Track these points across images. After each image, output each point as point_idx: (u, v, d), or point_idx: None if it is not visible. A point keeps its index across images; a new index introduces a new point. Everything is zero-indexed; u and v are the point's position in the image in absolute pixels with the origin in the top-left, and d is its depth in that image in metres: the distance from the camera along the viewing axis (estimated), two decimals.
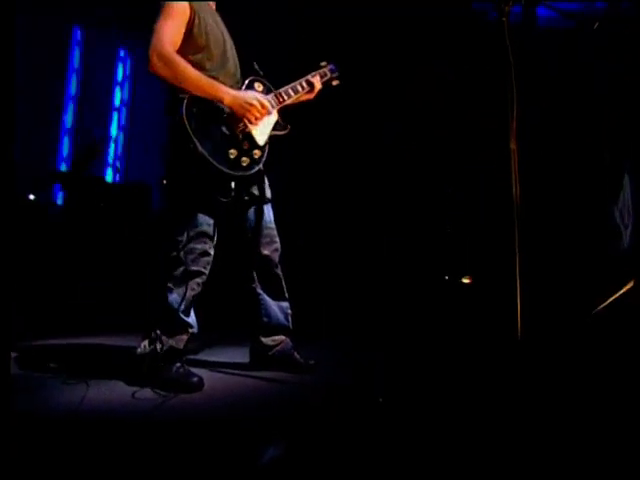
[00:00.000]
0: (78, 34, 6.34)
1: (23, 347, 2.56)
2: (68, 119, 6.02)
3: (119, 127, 6.57)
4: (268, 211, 2.24)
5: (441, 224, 5.95)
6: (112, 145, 6.43)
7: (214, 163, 1.84)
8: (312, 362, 2.29)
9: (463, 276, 5.15)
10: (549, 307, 2.38)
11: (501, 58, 1.40)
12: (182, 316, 2.00)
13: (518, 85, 1.44)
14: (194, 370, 2.07)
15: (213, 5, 2.16)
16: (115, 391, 1.93)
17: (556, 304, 2.49)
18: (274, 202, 2.29)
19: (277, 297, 2.31)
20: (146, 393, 1.89)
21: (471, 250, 5.07)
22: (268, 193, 2.23)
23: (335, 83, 2.40)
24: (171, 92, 1.93)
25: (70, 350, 2.65)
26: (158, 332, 1.98)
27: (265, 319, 2.28)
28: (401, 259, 5.71)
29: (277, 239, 2.27)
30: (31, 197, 4.83)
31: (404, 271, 5.34)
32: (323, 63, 2.38)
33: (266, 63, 2.19)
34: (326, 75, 2.35)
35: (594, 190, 3.04)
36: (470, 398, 1.74)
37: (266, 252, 2.22)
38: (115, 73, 6.60)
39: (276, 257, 2.27)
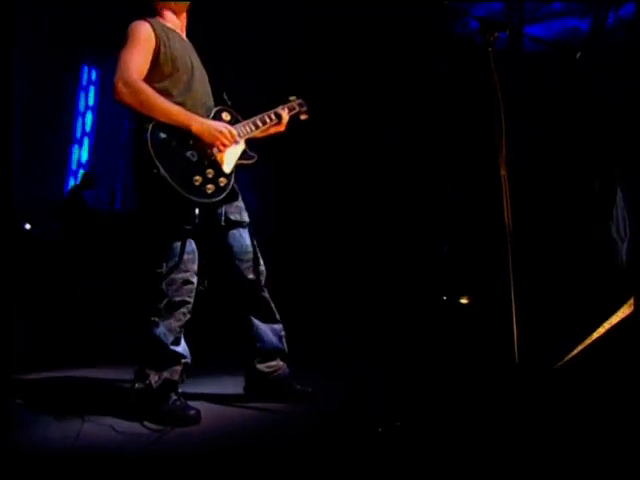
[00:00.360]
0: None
1: (15, 380, 2.52)
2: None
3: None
4: (247, 235, 2.22)
5: (438, 244, 5.99)
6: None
7: (177, 188, 1.82)
8: (310, 390, 2.24)
9: (461, 296, 5.15)
10: (547, 328, 2.38)
11: (488, 86, 1.43)
12: (172, 348, 1.96)
13: (506, 110, 1.48)
14: (189, 402, 2.03)
15: (182, 32, 2.18)
16: (111, 425, 1.88)
17: (554, 324, 2.49)
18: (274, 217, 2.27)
19: (268, 320, 2.26)
20: (143, 428, 1.86)
21: (468, 270, 5.07)
22: (245, 217, 2.22)
23: (304, 117, 2.43)
24: (137, 119, 1.93)
25: (63, 383, 2.60)
26: (149, 367, 1.95)
27: (259, 344, 2.23)
28: (398, 280, 5.71)
29: (261, 261, 2.24)
30: (27, 227, 4.86)
31: (402, 291, 5.34)
32: (292, 97, 2.42)
33: (266, 63, 2.21)
34: (294, 109, 2.38)
35: (588, 206, 3.07)
36: (468, 421, 1.72)
37: (251, 276, 2.20)
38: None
39: (262, 280, 2.23)
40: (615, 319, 1.48)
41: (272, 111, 2.27)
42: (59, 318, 3.70)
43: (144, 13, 2.10)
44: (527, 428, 1.36)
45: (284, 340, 2.29)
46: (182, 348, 2.02)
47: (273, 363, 2.24)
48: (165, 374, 1.94)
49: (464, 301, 5.11)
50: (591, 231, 2.93)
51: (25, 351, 2.97)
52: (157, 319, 1.94)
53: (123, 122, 6.42)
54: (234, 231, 2.18)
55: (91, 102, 6.74)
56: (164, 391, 1.94)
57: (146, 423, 1.88)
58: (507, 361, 1.48)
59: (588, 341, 1.47)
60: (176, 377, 1.98)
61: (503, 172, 1.39)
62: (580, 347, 1.46)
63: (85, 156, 6.57)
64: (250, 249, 2.20)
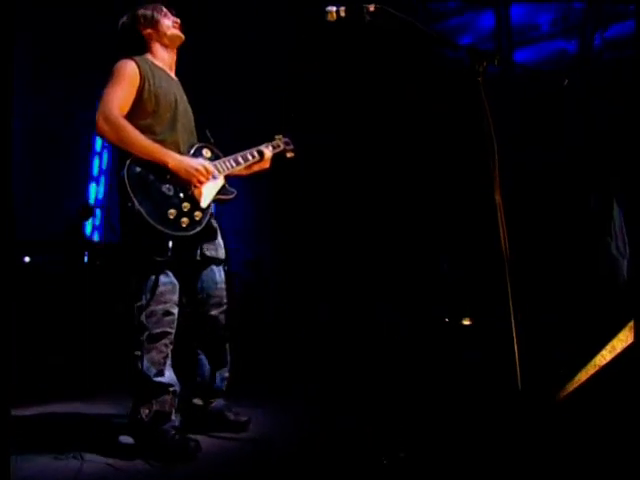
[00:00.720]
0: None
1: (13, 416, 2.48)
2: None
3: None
4: (220, 272, 2.25)
5: (437, 264, 5.99)
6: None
7: (150, 221, 1.86)
8: (244, 419, 2.25)
9: (463, 318, 5.12)
10: (549, 350, 2.36)
11: (479, 115, 1.46)
12: (157, 379, 1.96)
13: (500, 134, 1.50)
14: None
15: (171, 69, 2.24)
16: (110, 464, 1.84)
17: (556, 345, 2.47)
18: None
19: (216, 361, 2.28)
20: (143, 464, 1.83)
21: (469, 292, 5.05)
22: (221, 254, 2.25)
23: (290, 155, 2.47)
24: (119, 154, 1.98)
25: (61, 418, 2.54)
26: (139, 401, 1.95)
27: (199, 379, 2.27)
28: (398, 303, 5.69)
29: (226, 300, 2.26)
30: (26, 259, 4.86)
31: (402, 314, 5.31)
32: (278, 136, 2.46)
33: (266, 63, 2.24)
34: (279, 147, 2.43)
35: (585, 223, 3.08)
36: (471, 450, 1.69)
37: (214, 313, 2.22)
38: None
39: (223, 319, 2.25)
40: (617, 342, 1.47)
41: (255, 148, 2.32)
42: (54, 349, 3.66)
43: (137, 47, 2.16)
44: (530, 457, 1.34)
45: (225, 382, 2.31)
46: (168, 377, 2.01)
47: (209, 399, 2.27)
48: (155, 406, 1.94)
49: (466, 322, 5.09)
50: (591, 249, 2.93)
51: (20, 383, 2.94)
52: (139, 353, 1.96)
53: None
54: (208, 267, 2.21)
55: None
56: (157, 424, 1.94)
57: (146, 460, 1.85)
58: (509, 388, 1.46)
59: (590, 366, 1.46)
60: (167, 407, 1.97)
61: (498, 198, 1.40)
62: (582, 373, 1.45)
63: (102, 193, 6.75)
64: (220, 287, 2.24)
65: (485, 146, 1.42)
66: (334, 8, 1.75)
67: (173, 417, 2.02)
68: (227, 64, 6.18)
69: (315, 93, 6.83)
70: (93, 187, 6.73)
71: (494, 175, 1.39)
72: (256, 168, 2.34)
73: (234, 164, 2.21)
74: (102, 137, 1.95)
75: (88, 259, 4.27)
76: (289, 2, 5.37)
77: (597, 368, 1.43)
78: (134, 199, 1.84)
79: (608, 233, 2.92)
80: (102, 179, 6.93)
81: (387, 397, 2.86)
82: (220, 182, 2.14)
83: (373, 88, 6.49)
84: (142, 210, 1.84)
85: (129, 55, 2.08)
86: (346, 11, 1.73)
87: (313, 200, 7.05)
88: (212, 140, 2.22)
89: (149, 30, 2.16)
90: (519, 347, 1.48)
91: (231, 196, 2.20)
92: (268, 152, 2.34)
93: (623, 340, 1.46)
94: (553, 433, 1.36)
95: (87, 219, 5.01)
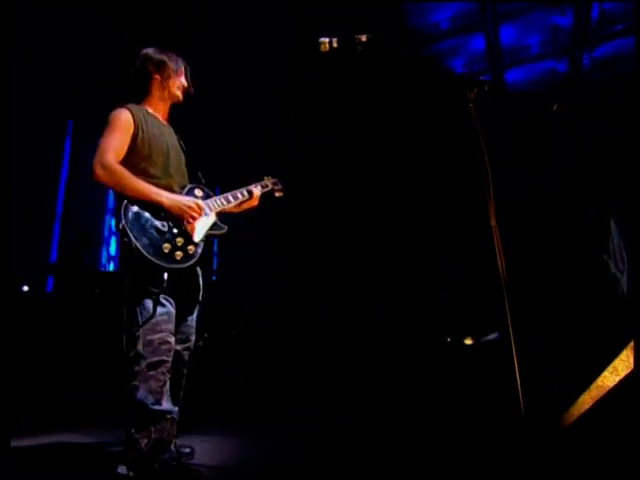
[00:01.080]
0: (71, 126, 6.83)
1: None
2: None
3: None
4: (193, 308, 2.31)
5: (438, 287, 5.99)
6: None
7: (146, 255, 1.97)
8: (187, 450, 2.21)
9: (465, 338, 5.09)
10: (552, 371, 2.35)
11: (472, 141, 1.48)
12: (154, 407, 1.98)
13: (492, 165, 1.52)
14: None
15: (164, 118, 2.37)
16: None
17: (558, 366, 2.45)
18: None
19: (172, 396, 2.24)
20: None
21: (470, 314, 5.04)
22: (199, 292, 2.32)
23: (278, 194, 2.63)
24: (116, 193, 2.10)
25: (56, 450, 2.51)
26: (135, 433, 1.94)
27: None
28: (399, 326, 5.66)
29: (193, 338, 2.32)
30: (25, 288, 4.85)
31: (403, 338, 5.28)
32: (267, 177, 2.62)
33: (266, 63, 2.28)
34: (267, 187, 2.58)
35: (582, 243, 3.09)
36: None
37: (178, 348, 2.22)
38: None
39: (186, 355, 2.29)
40: (618, 363, 1.47)
41: (244, 188, 2.46)
42: (53, 379, 3.63)
43: (140, 82, 2.32)
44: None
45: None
46: (165, 405, 2.03)
47: None
48: (154, 435, 1.95)
49: (468, 342, 5.05)
50: (588, 267, 2.94)
51: (18, 414, 2.91)
52: (137, 382, 1.98)
53: None
54: (186, 303, 2.27)
55: None
56: (156, 453, 1.93)
57: None
58: (513, 413, 1.45)
59: (593, 387, 1.45)
60: (165, 435, 1.98)
61: (493, 223, 1.41)
62: (586, 395, 1.44)
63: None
64: (190, 324, 2.31)
65: (479, 172, 1.44)
66: (327, 39, 1.80)
67: (172, 447, 2.03)
68: (217, 107, 6.29)
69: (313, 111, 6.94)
70: (108, 218, 6.77)
71: (489, 200, 1.41)
72: (245, 206, 2.47)
73: (225, 202, 2.34)
74: (99, 182, 2.06)
75: (88, 287, 4.26)
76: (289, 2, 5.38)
77: (600, 390, 1.42)
78: (131, 235, 1.96)
79: (606, 251, 2.93)
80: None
81: (387, 428, 2.82)
82: (212, 219, 2.28)
83: (372, 106, 6.60)
84: (139, 245, 1.96)
85: (129, 86, 2.27)
86: (339, 42, 1.78)
87: (311, 206, 7.11)
88: (203, 181, 2.37)
89: (157, 77, 2.30)
90: (520, 370, 1.48)
91: (222, 231, 2.32)
92: (257, 191, 2.48)
93: (625, 360, 1.45)
94: (560, 461, 1.34)
95: (87, 247, 5.01)
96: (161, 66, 2.28)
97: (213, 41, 5.56)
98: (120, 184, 2.04)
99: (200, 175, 2.36)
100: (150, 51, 2.31)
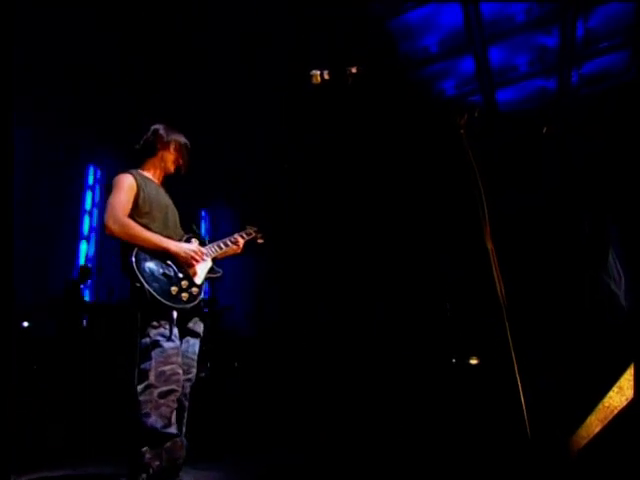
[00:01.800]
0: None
1: None
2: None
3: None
4: (195, 344, 2.53)
5: (441, 305, 5.96)
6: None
7: (157, 297, 2.22)
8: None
9: (470, 357, 5.04)
10: (556, 392, 2.32)
11: (465, 165, 1.51)
12: (164, 430, 2.14)
13: (485, 185, 1.54)
14: None
15: (159, 182, 2.70)
16: None
17: (563, 387, 2.43)
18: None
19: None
20: None
21: (473, 333, 5.01)
22: (199, 329, 2.55)
23: (260, 241, 2.93)
24: (122, 249, 2.35)
25: None
26: (147, 455, 2.07)
27: None
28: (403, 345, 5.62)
29: (194, 370, 2.50)
30: (25, 324, 4.82)
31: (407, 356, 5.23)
32: (249, 226, 2.92)
33: (266, 63, 2.35)
34: (251, 235, 2.88)
35: (580, 263, 3.09)
36: None
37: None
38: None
39: (187, 387, 2.44)
40: (624, 382, 1.46)
41: (231, 237, 2.78)
42: (52, 416, 3.58)
43: (147, 147, 2.69)
44: None
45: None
46: (174, 428, 2.20)
47: None
48: (164, 456, 2.10)
49: (473, 362, 5.00)
50: (587, 285, 2.93)
51: (19, 447, 2.89)
52: (148, 410, 2.14)
53: None
54: (185, 337, 2.50)
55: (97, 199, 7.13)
56: (167, 473, 2.10)
57: None
58: (519, 435, 1.43)
59: (600, 408, 1.43)
60: (175, 456, 2.14)
61: (490, 246, 1.42)
62: (593, 417, 1.43)
63: (92, 251, 6.82)
64: (191, 357, 2.50)
65: (473, 196, 1.46)
66: (318, 71, 1.85)
67: (181, 473, 2.18)
68: (216, 107, 6.37)
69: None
70: (84, 245, 6.78)
71: (484, 223, 1.42)
72: (230, 252, 2.78)
73: (217, 249, 2.66)
74: (112, 234, 2.34)
75: (87, 322, 4.24)
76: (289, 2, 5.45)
77: (607, 411, 1.41)
78: (142, 280, 2.21)
79: (604, 270, 2.93)
80: (92, 237, 6.97)
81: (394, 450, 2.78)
82: (209, 263, 2.58)
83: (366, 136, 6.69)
84: (150, 289, 2.21)
85: (135, 151, 2.69)
86: (330, 74, 1.82)
87: (311, 206, 7.13)
88: (197, 232, 2.70)
89: (161, 151, 2.66)
90: (524, 392, 1.46)
91: (218, 274, 2.63)
92: (241, 239, 2.80)
93: (629, 380, 1.44)
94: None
95: (86, 281, 5.01)
96: (166, 144, 2.65)
97: (213, 41, 5.61)
98: (130, 234, 2.32)
99: (194, 227, 2.69)
100: (161, 129, 2.66)
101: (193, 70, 5.76)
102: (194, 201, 7.88)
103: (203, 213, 9.42)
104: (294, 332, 6.65)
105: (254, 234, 2.90)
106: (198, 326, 2.55)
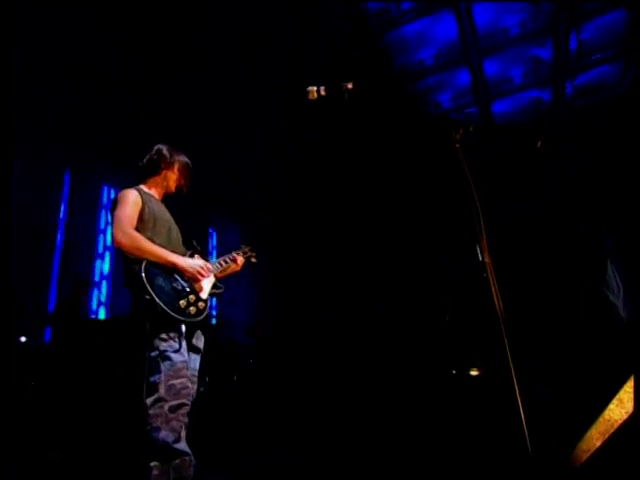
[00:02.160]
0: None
1: None
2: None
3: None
4: (196, 360, 2.56)
5: (440, 313, 5.95)
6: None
7: (168, 310, 2.24)
8: None
9: (471, 368, 5.02)
10: (556, 405, 2.31)
11: (461, 179, 1.52)
12: (175, 446, 2.15)
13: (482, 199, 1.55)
14: None
15: (161, 199, 2.76)
16: None
17: (563, 400, 2.42)
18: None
19: None
20: None
21: (471, 343, 5.00)
22: (201, 344, 2.59)
23: (253, 260, 3.05)
24: (126, 262, 2.39)
25: None
26: (154, 471, 2.07)
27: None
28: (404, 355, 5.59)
29: (195, 387, 2.49)
30: (22, 339, 4.79)
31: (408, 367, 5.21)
32: (243, 246, 3.04)
33: (266, 63, 2.40)
34: (246, 253, 3.00)
35: (576, 273, 3.10)
36: None
37: None
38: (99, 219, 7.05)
39: (188, 402, 2.38)
40: (623, 395, 1.46)
41: (230, 255, 2.87)
42: (52, 442, 3.54)
43: (150, 166, 2.77)
44: None
45: None
46: (183, 445, 2.20)
47: None
48: (172, 473, 2.10)
49: (474, 373, 4.98)
50: (587, 296, 2.93)
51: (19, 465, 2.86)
52: (159, 424, 2.14)
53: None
54: (190, 353, 2.52)
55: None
56: None
57: None
58: (520, 451, 1.42)
59: (600, 421, 1.43)
60: (183, 475, 2.13)
61: (487, 259, 1.43)
62: (593, 430, 1.42)
63: (107, 269, 6.82)
64: (194, 374, 2.52)
65: (470, 210, 1.47)
66: (315, 87, 1.87)
67: None
68: (216, 108, 6.39)
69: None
70: (98, 263, 6.82)
71: (481, 237, 1.43)
72: (230, 271, 2.86)
73: (219, 266, 2.74)
74: (120, 246, 2.37)
75: (85, 337, 4.22)
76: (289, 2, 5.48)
77: (608, 424, 1.40)
78: (152, 293, 2.22)
79: (603, 282, 2.94)
80: (107, 255, 6.98)
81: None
82: (212, 279, 2.64)
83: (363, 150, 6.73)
84: (160, 302, 2.22)
85: (138, 169, 2.75)
86: (326, 90, 1.85)
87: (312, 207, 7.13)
88: (199, 248, 2.75)
89: (164, 171, 2.75)
90: (524, 406, 1.46)
91: (221, 290, 2.69)
92: (240, 258, 2.90)
93: (629, 392, 1.44)
94: None
95: (82, 295, 4.99)
96: (170, 164, 2.74)
97: (213, 41, 5.64)
98: (139, 247, 2.35)
99: (195, 243, 2.73)
100: (164, 149, 2.75)
101: (193, 70, 5.76)
102: (201, 218, 7.92)
103: (210, 230, 9.44)
104: (294, 331, 6.63)
105: (248, 253, 3.01)
106: (200, 341, 2.58)
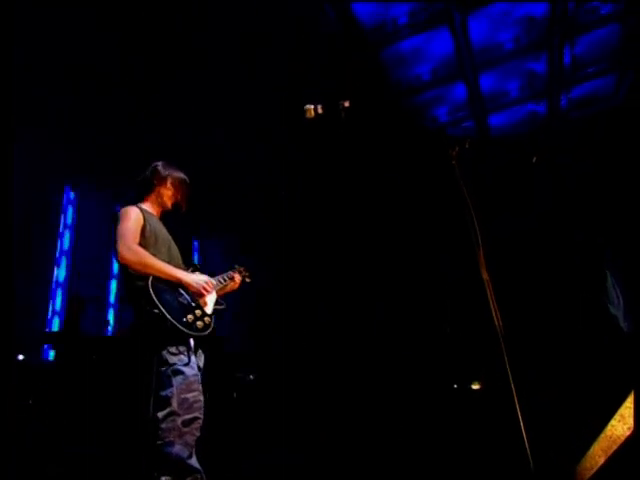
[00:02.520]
0: (71, 193, 6.85)
1: None
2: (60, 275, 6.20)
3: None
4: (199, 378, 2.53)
5: (440, 325, 5.93)
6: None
7: (177, 325, 2.25)
8: None
9: (472, 382, 4.98)
10: (557, 419, 2.29)
11: (457, 196, 1.53)
12: (189, 462, 2.14)
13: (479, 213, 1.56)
14: None
15: (159, 217, 2.76)
16: None
17: (564, 414, 2.40)
18: None
19: None
20: None
21: (473, 356, 4.97)
22: (202, 362, 2.57)
23: (248, 280, 3.07)
24: (129, 278, 2.39)
25: None
26: None
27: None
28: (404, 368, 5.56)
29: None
30: (20, 357, 4.77)
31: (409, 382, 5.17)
32: (237, 266, 3.05)
33: (266, 63, 2.41)
34: (242, 272, 3.02)
35: (574, 285, 3.10)
36: None
37: None
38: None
39: None
40: (624, 410, 1.45)
41: (227, 273, 2.89)
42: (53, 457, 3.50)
43: (145, 183, 2.76)
44: None
45: None
46: (195, 461, 2.18)
47: None
48: None
49: (475, 387, 4.95)
50: (585, 307, 2.93)
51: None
52: (172, 438, 2.12)
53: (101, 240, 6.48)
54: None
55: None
56: None
57: None
58: (522, 467, 1.41)
59: (602, 438, 1.42)
60: None
61: (485, 276, 1.43)
62: (596, 446, 1.41)
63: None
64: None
65: (467, 226, 1.47)
66: (312, 106, 1.90)
67: None
68: (215, 108, 6.39)
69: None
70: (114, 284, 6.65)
71: (479, 254, 1.43)
72: (228, 289, 2.88)
73: (219, 283, 2.75)
74: (124, 261, 2.37)
75: (85, 355, 4.20)
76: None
77: (610, 441, 1.39)
78: (161, 308, 2.23)
79: (603, 293, 2.94)
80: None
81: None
82: (215, 295, 2.66)
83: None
84: (169, 316, 2.23)
85: (135, 187, 2.74)
86: (323, 108, 1.87)
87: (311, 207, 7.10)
88: (198, 266, 2.77)
89: (157, 187, 2.73)
90: (524, 420, 1.45)
91: (223, 306, 2.70)
92: (237, 276, 2.92)
93: (630, 407, 1.43)
94: None
95: (80, 312, 4.98)
96: (164, 181, 2.72)
97: (213, 41, 5.65)
98: (143, 262, 2.35)
99: (195, 261, 2.68)
100: (160, 167, 2.74)
101: (193, 70, 5.77)
102: (186, 231, 7.85)
103: (195, 244, 9.37)
104: (294, 332, 6.59)
105: (244, 272, 3.03)
106: (201, 359, 2.57)
